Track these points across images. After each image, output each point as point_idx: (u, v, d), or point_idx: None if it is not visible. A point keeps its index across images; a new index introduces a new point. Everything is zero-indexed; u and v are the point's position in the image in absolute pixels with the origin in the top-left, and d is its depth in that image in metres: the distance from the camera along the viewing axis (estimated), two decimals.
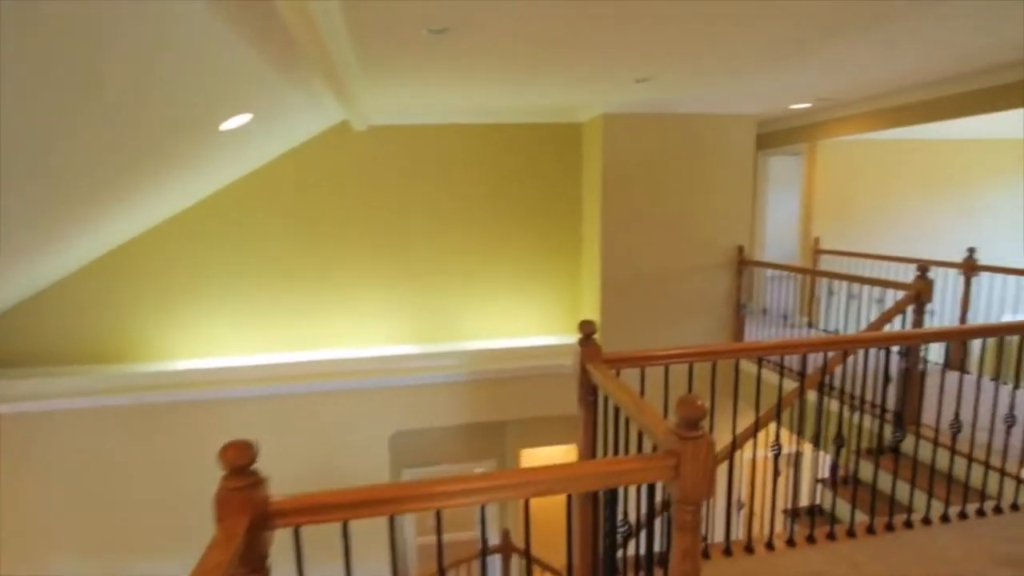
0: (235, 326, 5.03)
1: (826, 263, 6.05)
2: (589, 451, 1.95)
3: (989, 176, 6.65)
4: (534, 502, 1.34)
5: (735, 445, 2.93)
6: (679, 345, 2.02)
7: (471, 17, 2.42)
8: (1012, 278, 4.48)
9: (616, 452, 1.80)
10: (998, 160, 6.64)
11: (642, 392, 1.73)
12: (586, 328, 1.90)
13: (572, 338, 5.75)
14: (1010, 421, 2.66)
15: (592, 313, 5.30)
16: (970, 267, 4.48)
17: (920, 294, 3.38)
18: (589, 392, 1.89)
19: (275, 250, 5.01)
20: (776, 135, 6.70)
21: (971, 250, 4.50)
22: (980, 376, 2.65)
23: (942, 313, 4.93)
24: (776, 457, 2.44)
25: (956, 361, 4.64)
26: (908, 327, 3.45)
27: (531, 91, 4.20)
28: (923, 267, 3.41)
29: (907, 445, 3.31)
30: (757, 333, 5.55)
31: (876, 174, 6.30)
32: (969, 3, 2.62)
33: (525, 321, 5.66)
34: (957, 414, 2.60)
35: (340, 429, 4.79)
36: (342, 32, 2.48)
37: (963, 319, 4.59)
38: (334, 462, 4.80)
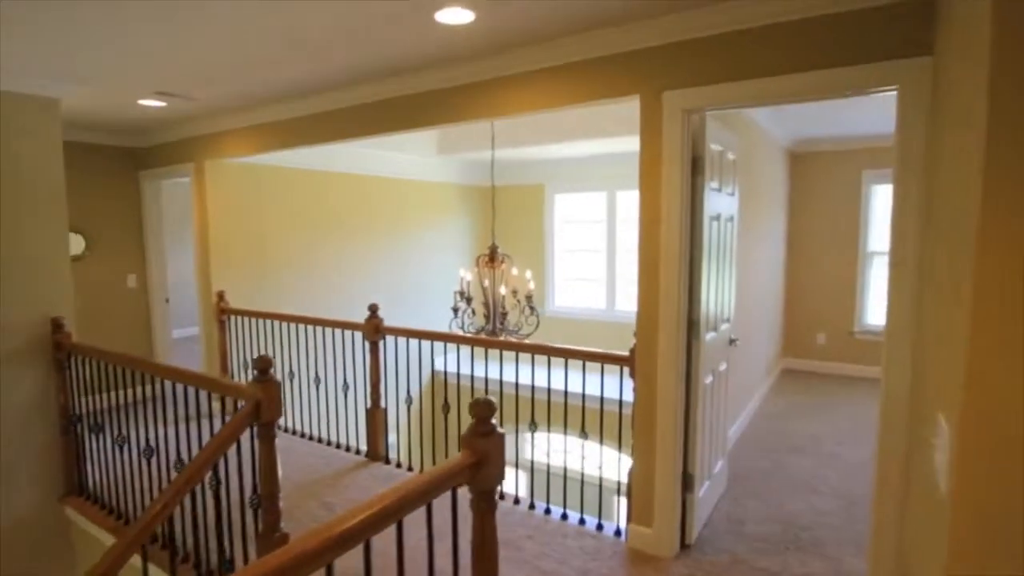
0: None
1: (237, 326, 4.52)
2: None
3: (424, 215, 6.45)
4: None
5: None
6: None
7: None
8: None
9: None
10: (432, 200, 6.53)
11: None
12: None
13: None
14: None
15: None
16: (374, 329, 3.58)
17: (260, 408, 1.99)
18: None
19: None
20: (158, 151, 4.84)
21: (373, 308, 3.62)
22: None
23: (360, 382, 3.98)
24: None
25: (376, 452, 3.71)
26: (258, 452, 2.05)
27: None
28: (264, 364, 2.03)
29: None
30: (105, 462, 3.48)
31: (304, 210, 5.13)
32: None
33: None
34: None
35: None
36: None
37: (375, 388, 3.68)
38: None
